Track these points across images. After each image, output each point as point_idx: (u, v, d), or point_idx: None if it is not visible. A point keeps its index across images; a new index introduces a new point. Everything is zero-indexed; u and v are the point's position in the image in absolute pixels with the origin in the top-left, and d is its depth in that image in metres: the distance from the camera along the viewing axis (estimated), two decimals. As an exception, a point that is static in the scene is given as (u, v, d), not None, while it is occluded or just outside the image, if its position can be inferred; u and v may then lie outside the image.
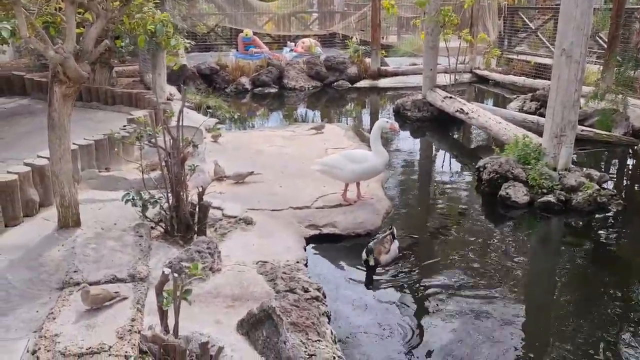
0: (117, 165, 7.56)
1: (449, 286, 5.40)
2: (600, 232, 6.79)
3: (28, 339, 3.86)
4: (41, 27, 5.13)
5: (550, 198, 7.12)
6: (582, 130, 9.82)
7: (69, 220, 5.56)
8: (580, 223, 6.98)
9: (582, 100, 9.08)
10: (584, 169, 7.71)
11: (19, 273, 4.72)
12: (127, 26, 6.24)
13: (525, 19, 17.60)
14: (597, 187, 7.23)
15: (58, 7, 5.55)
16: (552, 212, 7.09)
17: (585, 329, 4.75)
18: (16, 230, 5.57)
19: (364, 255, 5.74)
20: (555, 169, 7.49)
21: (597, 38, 15.15)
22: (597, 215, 7.06)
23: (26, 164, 6.04)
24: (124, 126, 7.99)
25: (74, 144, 6.48)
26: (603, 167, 9.40)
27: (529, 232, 6.91)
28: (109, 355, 3.62)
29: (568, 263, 6.06)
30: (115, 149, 7.33)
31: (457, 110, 11.17)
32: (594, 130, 10.21)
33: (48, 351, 3.64)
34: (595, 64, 14.00)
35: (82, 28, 5.61)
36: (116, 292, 4.28)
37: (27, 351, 3.72)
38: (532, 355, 4.45)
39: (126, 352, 3.65)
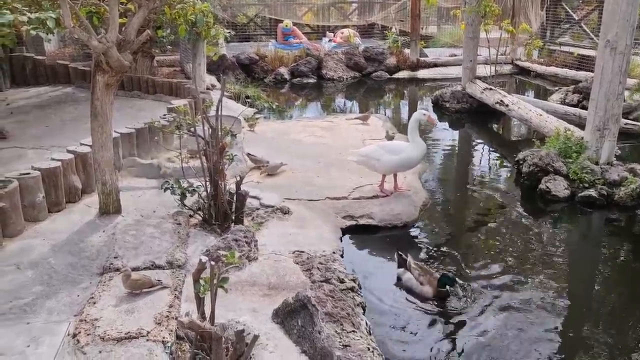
0: (156, 153, 7.67)
1: (486, 280, 5.34)
2: (643, 228, 6.64)
3: (69, 322, 3.96)
4: (85, 17, 5.21)
5: (592, 192, 6.97)
6: (626, 124, 9.59)
7: (110, 207, 5.67)
8: (623, 218, 6.82)
9: (627, 93, 8.85)
10: (628, 163, 7.52)
11: (61, 258, 4.84)
12: (168, 16, 6.31)
13: (568, 9, 17.21)
14: (641, 182, 7.06)
15: (101, -3, 5.65)
16: (593, 206, 6.95)
17: (626, 326, 4.65)
18: (59, 216, 5.70)
19: (449, 277, 5.03)
20: (597, 163, 7.33)
21: (644, 29, 14.72)
22: (640, 211, 6.90)
23: (69, 152, 6.17)
24: (164, 115, 8.08)
25: (115, 132, 6.59)
26: (648, 161, 9.17)
27: (569, 227, 6.78)
28: (147, 340, 3.68)
29: (609, 259, 5.93)
30: (156, 138, 7.43)
31: (497, 102, 11.01)
32: (639, 123, 9.95)
33: (88, 335, 3.73)
34: (641, 56, 13.62)
35: (124, 18, 5.69)
36: (158, 280, 4.35)
37: (68, 334, 3.81)
38: (570, 351, 4.37)
39: (164, 337, 3.71)
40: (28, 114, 9.05)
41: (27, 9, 4.54)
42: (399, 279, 5.32)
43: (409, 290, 5.16)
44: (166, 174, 6.73)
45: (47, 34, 4.58)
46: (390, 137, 8.67)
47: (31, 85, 11.16)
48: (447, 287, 4.94)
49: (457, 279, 5.12)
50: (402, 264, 5.36)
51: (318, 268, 4.95)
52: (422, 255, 5.93)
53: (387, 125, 10.44)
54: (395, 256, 5.50)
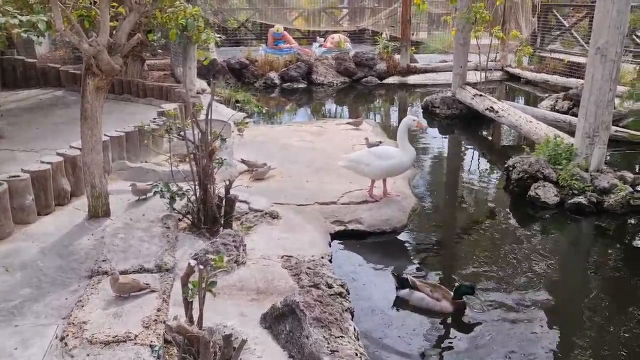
0: (146, 157, 7.66)
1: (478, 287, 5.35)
2: (632, 235, 6.68)
3: (57, 325, 3.94)
4: (76, 20, 5.21)
5: (582, 199, 7.01)
6: (616, 131, 9.66)
7: (99, 210, 5.66)
8: (612, 226, 6.85)
9: (617, 101, 8.92)
10: (617, 170, 7.58)
11: (50, 260, 4.82)
12: (159, 20, 6.32)
13: (559, 16, 17.34)
14: (631, 189, 7.07)
15: (93, 1, 5.64)
16: (583, 214, 6.98)
17: (615, 335, 4.68)
18: (48, 218, 5.68)
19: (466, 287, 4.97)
20: (587, 170, 7.37)
21: (634, 37, 14.87)
22: (629, 219, 6.93)
23: (59, 154, 6.16)
24: (154, 119, 8.08)
25: (105, 135, 6.58)
26: (637, 169, 9.22)
27: (558, 234, 6.82)
28: (135, 344, 3.68)
29: (599, 267, 5.96)
30: (145, 141, 7.42)
31: (487, 109, 11.07)
32: (629, 131, 10.02)
33: (76, 338, 3.72)
34: (631, 63, 13.73)
35: (115, 21, 5.69)
36: (147, 284, 4.35)
37: (56, 337, 3.80)
38: None
39: (151, 341, 3.71)
40: (18, 116, 9.03)
41: (18, 11, 4.53)
42: (402, 300, 5.06)
43: (424, 310, 4.92)
44: (156, 177, 6.71)
45: (38, 37, 4.57)
46: (370, 145, 8.43)
47: (22, 88, 11.14)
48: (466, 296, 4.92)
49: (474, 286, 5.05)
50: (404, 284, 5.07)
51: (306, 273, 4.96)
52: (411, 261, 5.96)
53: (376, 130, 10.47)
54: (393, 278, 5.25)
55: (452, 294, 4.96)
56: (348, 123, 10.66)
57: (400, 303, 5.08)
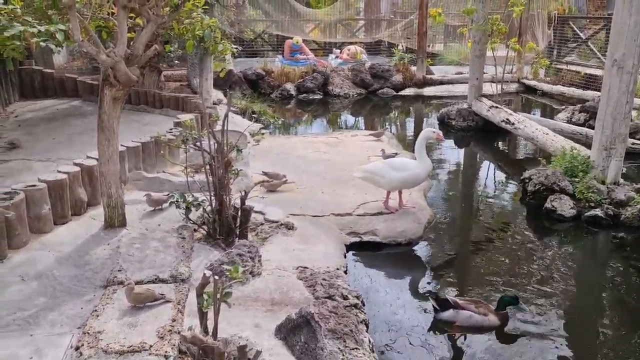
0: (162, 167, 7.69)
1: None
2: (649, 248, 6.60)
3: (72, 334, 3.95)
4: (94, 31, 5.26)
5: (598, 212, 6.94)
6: (633, 144, 9.58)
7: (115, 220, 5.68)
8: (629, 239, 6.76)
9: (634, 113, 8.85)
10: (634, 183, 7.49)
11: (65, 270, 4.84)
12: (176, 31, 6.35)
13: (575, 28, 17.25)
14: (648, 202, 7.01)
15: (111, 12, 5.69)
16: (599, 226, 6.91)
17: (632, 349, 4.61)
18: (64, 228, 5.71)
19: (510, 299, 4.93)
20: (603, 183, 7.31)
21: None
22: (646, 232, 6.86)
23: (76, 164, 6.20)
24: (171, 129, 8.12)
25: (121, 145, 6.62)
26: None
27: (575, 247, 6.74)
28: (149, 354, 3.68)
29: (615, 280, 5.88)
30: (162, 152, 7.46)
31: (503, 121, 11.01)
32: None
33: (91, 347, 3.72)
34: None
35: (133, 33, 5.74)
36: (162, 294, 4.35)
37: (71, 347, 3.81)
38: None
39: (166, 351, 3.70)
40: (36, 126, 9.11)
41: (37, 22, 4.58)
42: (444, 322, 4.83)
43: (473, 328, 4.75)
44: (172, 188, 6.74)
45: (57, 47, 4.62)
46: (386, 157, 8.39)
47: (39, 98, 11.25)
48: (510, 307, 4.87)
49: (518, 296, 5.01)
50: (446, 306, 4.83)
51: (321, 284, 4.93)
52: (427, 273, 5.92)
53: (392, 142, 10.45)
54: (432, 301, 4.96)
55: (492, 307, 4.89)
56: (371, 135, 10.67)
57: (440, 326, 4.84)
